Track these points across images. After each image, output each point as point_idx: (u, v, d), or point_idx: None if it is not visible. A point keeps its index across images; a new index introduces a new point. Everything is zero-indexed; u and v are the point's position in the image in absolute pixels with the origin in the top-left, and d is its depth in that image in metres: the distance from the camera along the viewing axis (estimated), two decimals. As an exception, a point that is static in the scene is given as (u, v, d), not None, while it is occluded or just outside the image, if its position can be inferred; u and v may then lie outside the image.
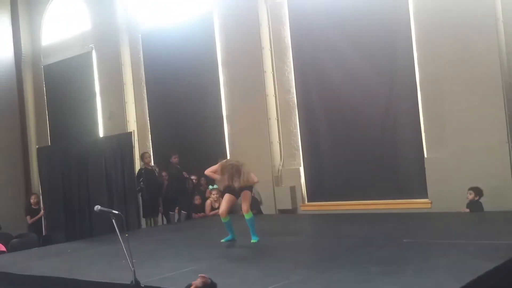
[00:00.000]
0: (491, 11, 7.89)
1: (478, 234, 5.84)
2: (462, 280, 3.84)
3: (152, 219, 10.37)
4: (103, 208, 4.31)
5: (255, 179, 6.65)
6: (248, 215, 6.48)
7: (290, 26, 10.15)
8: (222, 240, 6.72)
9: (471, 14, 7.98)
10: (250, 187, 6.64)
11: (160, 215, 10.64)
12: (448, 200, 8.10)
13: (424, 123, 8.71)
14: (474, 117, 8.01)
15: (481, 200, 7.60)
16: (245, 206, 6.50)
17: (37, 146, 13.29)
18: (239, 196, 6.61)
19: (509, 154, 7.75)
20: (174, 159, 10.71)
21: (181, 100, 11.75)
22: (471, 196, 7.56)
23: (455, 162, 8.16)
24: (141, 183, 10.20)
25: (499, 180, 7.72)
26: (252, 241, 6.47)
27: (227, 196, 6.61)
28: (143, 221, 10.39)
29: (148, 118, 12.54)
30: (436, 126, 8.52)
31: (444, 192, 8.21)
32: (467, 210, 7.60)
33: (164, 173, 10.51)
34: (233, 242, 6.67)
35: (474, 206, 7.56)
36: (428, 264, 4.52)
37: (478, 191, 7.55)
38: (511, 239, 5.23)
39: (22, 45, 14.93)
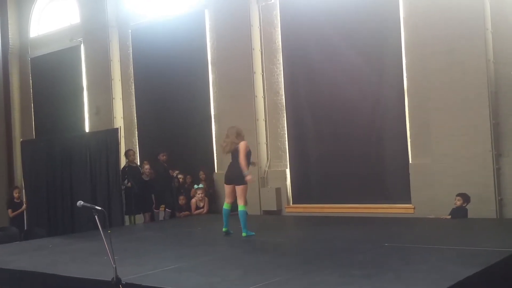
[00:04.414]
0: (480, 21, 7.98)
1: (459, 240, 5.90)
2: (442, 285, 3.89)
3: (134, 217, 10.25)
4: (85, 204, 4.27)
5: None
6: (239, 207, 6.71)
7: (281, 28, 10.17)
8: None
9: (461, 23, 8.07)
10: (238, 182, 6.72)
11: (142, 213, 10.46)
12: (431, 206, 8.20)
13: (410, 130, 8.79)
14: (459, 125, 8.09)
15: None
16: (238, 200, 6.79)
17: (21, 139, 13.12)
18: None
19: (492, 162, 7.85)
20: (162, 157, 10.59)
21: (169, 98, 11.71)
22: (459, 202, 7.62)
23: (439, 169, 8.24)
24: (126, 181, 9.99)
25: (482, 187, 7.82)
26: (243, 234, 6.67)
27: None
28: (126, 218, 10.28)
29: (135, 115, 12.47)
30: (422, 133, 8.60)
31: (427, 198, 8.31)
32: (448, 217, 7.68)
33: (147, 166, 10.28)
34: (217, 240, 6.72)
35: (459, 212, 7.62)
36: (408, 269, 4.57)
37: (466, 198, 7.62)
38: (491, 246, 5.29)
39: (10, 36, 14.75)
